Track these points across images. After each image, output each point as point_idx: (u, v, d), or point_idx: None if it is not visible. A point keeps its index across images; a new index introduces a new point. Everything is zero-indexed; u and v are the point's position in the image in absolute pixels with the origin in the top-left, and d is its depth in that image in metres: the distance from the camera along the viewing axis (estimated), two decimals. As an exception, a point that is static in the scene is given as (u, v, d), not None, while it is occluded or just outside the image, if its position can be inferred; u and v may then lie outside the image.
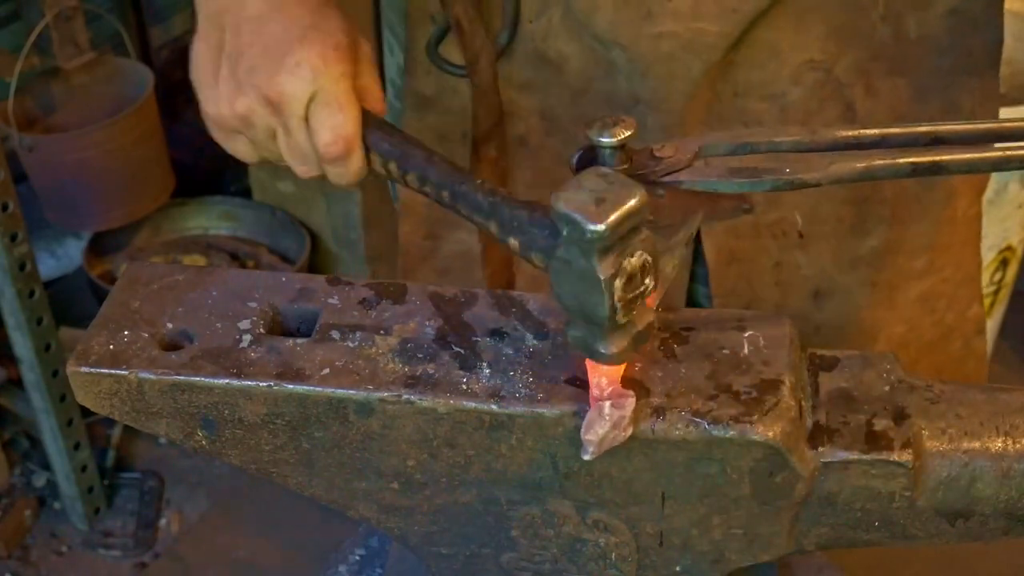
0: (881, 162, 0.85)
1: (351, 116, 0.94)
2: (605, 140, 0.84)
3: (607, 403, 0.82)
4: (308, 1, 0.95)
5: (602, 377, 0.83)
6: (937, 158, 0.84)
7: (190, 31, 1.17)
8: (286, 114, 0.93)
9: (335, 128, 0.93)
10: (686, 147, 0.88)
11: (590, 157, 0.86)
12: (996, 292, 2.52)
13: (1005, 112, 1.55)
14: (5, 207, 2.04)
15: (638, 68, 1.12)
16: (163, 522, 2.50)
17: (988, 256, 2.43)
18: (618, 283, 0.78)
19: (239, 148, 1.00)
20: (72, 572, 2.41)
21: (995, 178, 2.30)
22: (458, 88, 1.22)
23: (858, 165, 0.84)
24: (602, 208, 0.75)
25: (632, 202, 0.76)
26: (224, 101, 0.95)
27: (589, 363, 0.84)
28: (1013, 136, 0.85)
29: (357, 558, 1.23)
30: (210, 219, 2.99)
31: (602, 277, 0.77)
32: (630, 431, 0.83)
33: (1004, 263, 2.47)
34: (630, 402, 0.83)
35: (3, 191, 2.04)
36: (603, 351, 0.81)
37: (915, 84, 1.18)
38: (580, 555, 0.93)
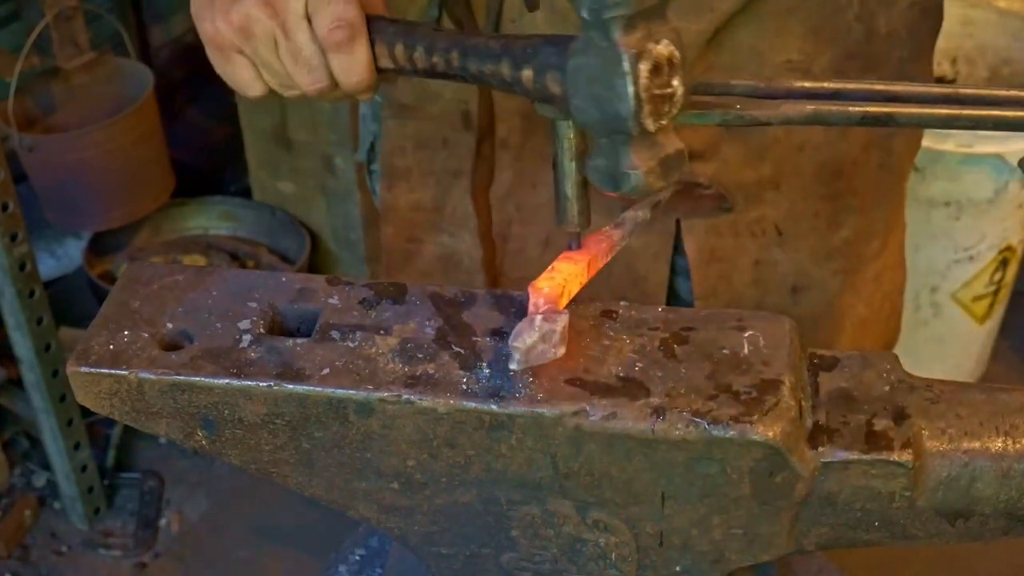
0: (832, 108, 0.84)
1: (351, 1, 0.92)
2: None
3: (539, 316, 0.84)
4: None
5: (540, 298, 0.85)
6: (888, 110, 0.84)
7: (190, 31, 1.16)
8: (284, 11, 0.91)
9: (336, 11, 0.91)
10: None
11: None
12: (996, 292, 2.52)
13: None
14: (5, 207, 2.04)
15: None
16: (163, 522, 2.50)
17: (988, 256, 2.43)
18: (643, 67, 0.73)
19: (241, 73, 0.97)
20: (72, 572, 2.41)
21: (995, 178, 2.30)
22: (440, 94, 1.22)
23: (808, 107, 0.84)
24: None
25: None
26: (220, 15, 0.93)
27: (531, 286, 0.85)
28: (965, 101, 0.85)
29: (357, 558, 1.23)
30: (210, 219, 2.98)
31: (625, 53, 0.73)
32: (562, 350, 0.85)
33: (1004, 263, 2.47)
34: (563, 317, 0.84)
35: (3, 191, 2.04)
36: (628, 170, 0.77)
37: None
38: (580, 555, 0.93)
